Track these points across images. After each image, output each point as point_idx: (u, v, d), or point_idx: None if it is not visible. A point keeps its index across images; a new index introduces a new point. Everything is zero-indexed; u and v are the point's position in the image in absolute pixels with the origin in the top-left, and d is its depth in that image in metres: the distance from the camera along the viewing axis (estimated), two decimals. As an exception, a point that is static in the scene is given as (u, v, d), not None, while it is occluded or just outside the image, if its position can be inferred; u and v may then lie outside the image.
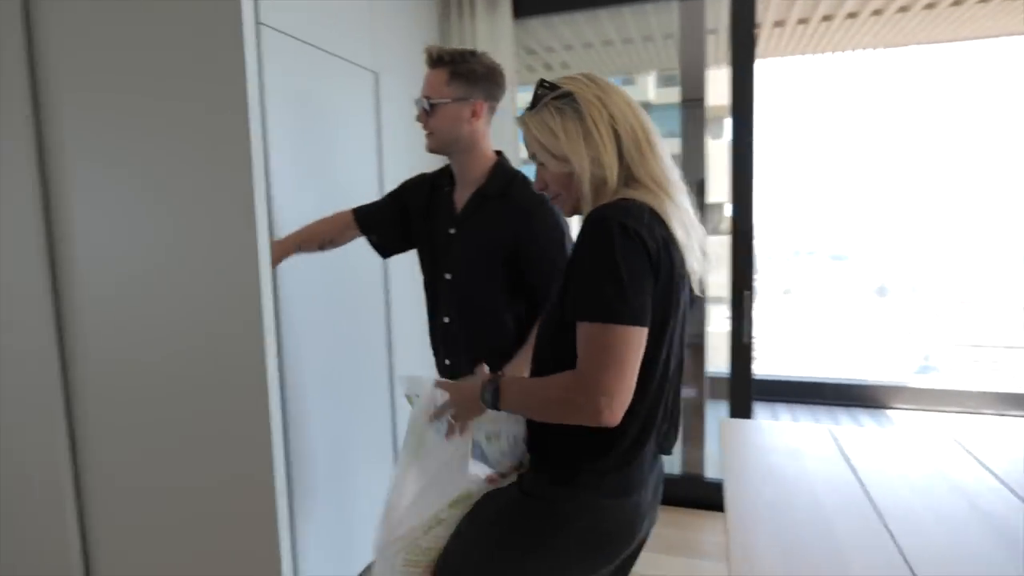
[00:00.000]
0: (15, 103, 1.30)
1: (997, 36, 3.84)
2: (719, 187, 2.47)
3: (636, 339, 0.88)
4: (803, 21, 3.46)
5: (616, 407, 0.86)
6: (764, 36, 3.68)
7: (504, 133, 2.25)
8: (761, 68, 2.41)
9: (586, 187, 0.96)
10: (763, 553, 1.04)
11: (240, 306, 1.23)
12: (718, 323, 2.86)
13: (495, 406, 1.00)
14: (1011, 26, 3.60)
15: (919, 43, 3.90)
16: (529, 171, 1.23)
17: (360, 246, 1.96)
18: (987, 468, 1.38)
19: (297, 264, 1.70)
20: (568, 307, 0.91)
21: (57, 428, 1.39)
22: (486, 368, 1.14)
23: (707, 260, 1.02)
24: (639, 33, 3.33)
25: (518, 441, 1.07)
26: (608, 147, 0.95)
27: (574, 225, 1.14)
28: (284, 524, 1.30)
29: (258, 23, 1.55)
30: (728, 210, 2.46)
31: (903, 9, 3.30)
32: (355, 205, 1.65)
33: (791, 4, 3.19)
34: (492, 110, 1.43)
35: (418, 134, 1.45)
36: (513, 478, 1.08)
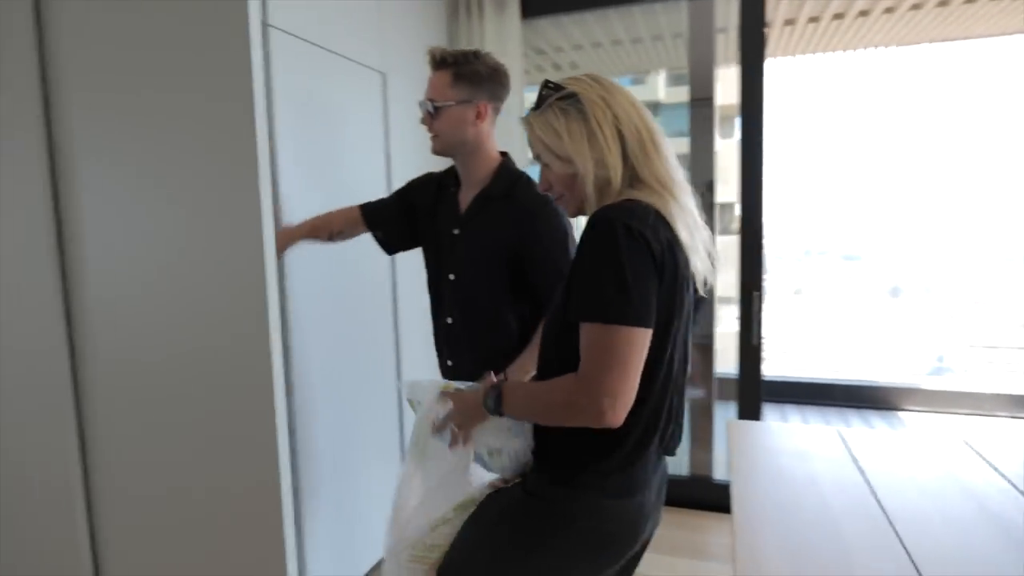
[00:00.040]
0: (26, 103, 1.31)
1: (1011, 34, 3.79)
2: (730, 187, 2.45)
3: (639, 340, 0.87)
4: (814, 20, 3.43)
5: (619, 408, 0.86)
6: (774, 35, 3.65)
7: (512, 134, 2.25)
8: (772, 67, 2.40)
9: (590, 188, 0.96)
10: (769, 554, 1.04)
11: (246, 306, 1.24)
12: (727, 324, 2.84)
13: (498, 412, 1.00)
14: (1025, 23, 3.55)
15: (931, 41, 3.86)
16: (535, 172, 1.23)
17: (367, 247, 1.97)
18: (997, 470, 1.36)
19: (305, 263, 1.71)
20: (571, 308, 0.91)
21: (67, 427, 1.40)
22: (493, 376, 1.14)
23: (712, 261, 1.01)
24: (648, 32, 3.32)
25: (519, 456, 1.07)
26: (612, 148, 0.95)
27: (578, 226, 1.13)
28: (289, 524, 1.31)
29: (266, 25, 1.57)
30: (739, 210, 2.45)
31: (915, 7, 3.27)
32: (376, 231, 1.66)
33: (802, 3, 3.17)
34: (497, 111, 1.43)
35: (426, 135, 1.45)
36: (517, 479, 1.08)
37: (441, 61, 1.37)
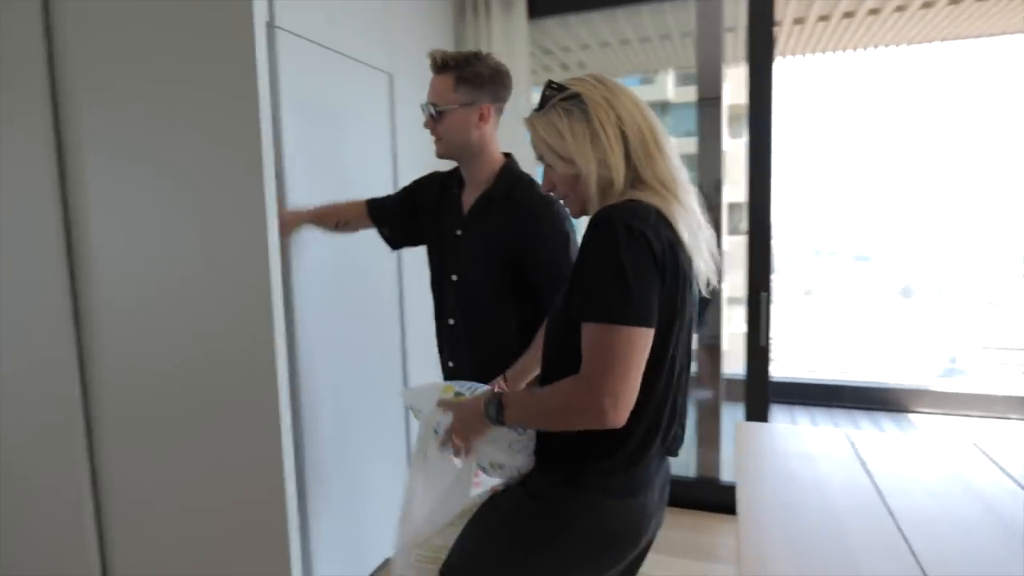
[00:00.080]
0: (35, 104, 1.32)
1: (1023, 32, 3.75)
2: (739, 187, 2.44)
3: (641, 340, 0.87)
4: (824, 18, 3.41)
5: (621, 408, 0.86)
6: (784, 33, 3.63)
7: (520, 134, 2.25)
8: (782, 66, 2.39)
9: (593, 189, 0.96)
10: (775, 555, 1.04)
11: (251, 309, 1.24)
12: (736, 324, 2.83)
13: (500, 422, 0.99)
14: (1039, 21, 3.51)
15: (943, 39, 3.82)
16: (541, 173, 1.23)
17: (373, 249, 1.97)
18: (1006, 472, 1.35)
19: (311, 265, 1.72)
20: (574, 308, 0.91)
21: (75, 429, 1.41)
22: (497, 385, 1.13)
23: (715, 262, 1.01)
24: (656, 32, 3.31)
25: (522, 471, 1.06)
26: (615, 149, 0.95)
27: (581, 227, 1.13)
28: (294, 525, 1.32)
29: (273, 26, 1.57)
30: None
31: (926, 5, 3.24)
32: (381, 227, 1.67)
33: (811, 1, 3.15)
34: (499, 111, 1.43)
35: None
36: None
37: (443, 64, 1.36)
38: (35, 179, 1.35)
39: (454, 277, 1.45)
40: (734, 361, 2.66)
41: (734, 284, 2.64)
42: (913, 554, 1.03)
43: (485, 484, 1.14)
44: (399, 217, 1.62)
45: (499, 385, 1.33)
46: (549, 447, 1.02)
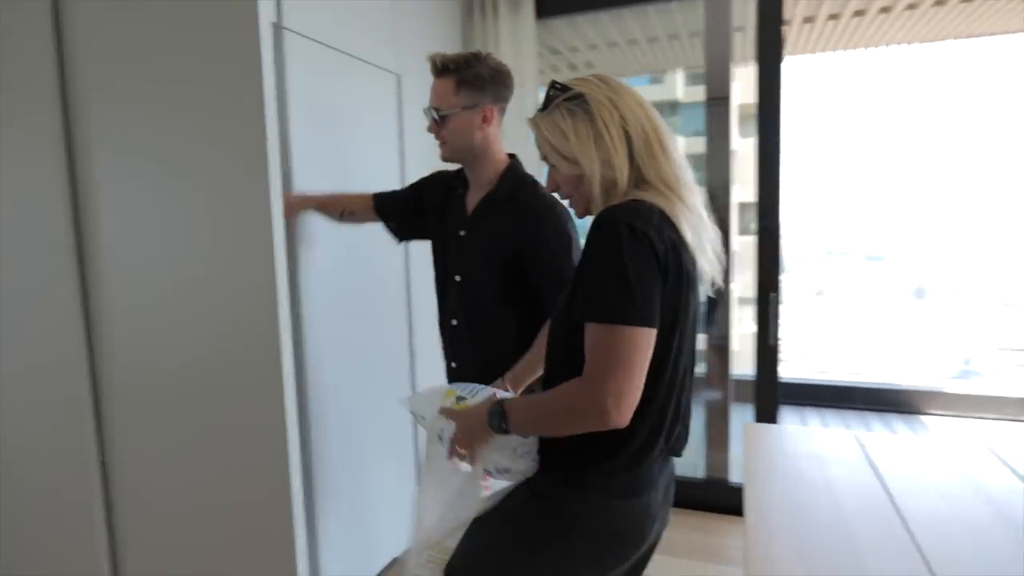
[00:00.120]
0: (46, 106, 1.34)
1: (1040, 29, 3.70)
2: (749, 187, 2.43)
3: (644, 340, 0.87)
4: (834, 17, 3.38)
5: (624, 408, 0.86)
6: (794, 32, 3.60)
7: (526, 134, 2.25)
8: (792, 64, 2.37)
9: (596, 189, 0.96)
10: (782, 556, 1.03)
11: (257, 309, 1.25)
12: (746, 325, 2.82)
13: (504, 430, 0.98)
14: (1054, 18, 3.46)
15: (956, 38, 3.78)
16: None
17: (381, 248, 1.98)
18: (1019, 475, 1.33)
19: (319, 264, 1.72)
20: (576, 308, 0.91)
21: (86, 430, 1.43)
22: (499, 392, 1.13)
23: (720, 262, 1.00)
24: (664, 31, 3.29)
25: (527, 475, 1.06)
26: (619, 149, 0.94)
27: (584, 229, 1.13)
28: (300, 524, 1.32)
29: (280, 27, 1.58)
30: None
31: (938, 3, 3.20)
32: (388, 221, 1.67)
33: (821, 0, 3.13)
34: (502, 112, 1.43)
35: (438, 137, 1.45)
36: None
37: (443, 68, 1.36)
38: (45, 179, 1.36)
39: (457, 278, 1.45)
40: (744, 362, 2.64)
41: (744, 284, 2.62)
42: (922, 556, 1.02)
43: (495, 486, 1.14)
44: (405, 213, 1.62)
45: (501, 386, 1.33)
46: (553, 448, 1.02)
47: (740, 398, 2.79)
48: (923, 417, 4.24)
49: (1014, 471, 1.35)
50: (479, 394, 1.11)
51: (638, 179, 0.96)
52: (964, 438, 1.60)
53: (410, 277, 2.20)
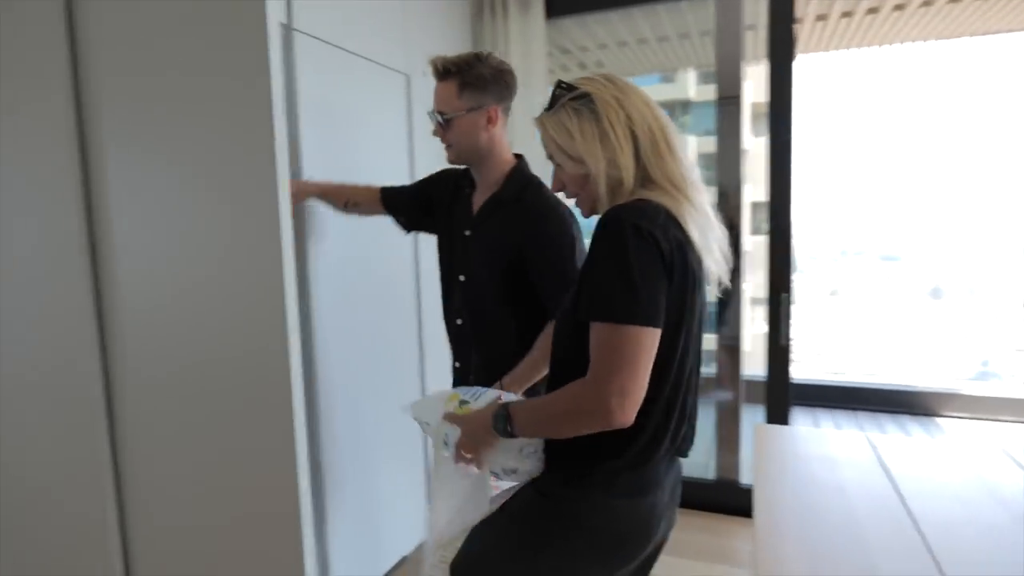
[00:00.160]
0: (59, 102, 1.35)
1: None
2: (761, 186, 2.41)
3: (648, 340, 0.87)
4: (847, 15, 3.35)
5: (628, 407, 0.86)
6: (806, 30, 3.57)
7: (535, 134, 2.24)
8: (805, 62, 2.35)
9: (602, 188, 0.96)
10: (791, 556, 1.03)
11: (265, 307, 1.25)
12: (758, 325, 2.79)
13: (509, 433, 0.98)
14: (1074, 14, 3.40)
15: (971, 35, 3.73)
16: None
17: (391, 245, 1.99)
18: (1036, 480, 1.31)
19: (328, 263, 1.73)
20: (582, 308, 0.91)
21: (98, 429, 1.44)
22: (504, 395, 1.12)
23: (727, 262, 1.00)
24: (675, 30, 3.28)
25: (533, 474, 1.06)
26: (625, 148, 0.94)
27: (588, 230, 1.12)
28: (308, 520, 1.32)
29: (290, 28, 1.59)
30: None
31: (953, 0, 3.16)
32: (397, 216, 1.68)
33: (833, -2, 3.10)
34: (507, 111, 1.42)
35: (447, 138, 1.45)
36: None
37: (445, 71, 1.35)
38: (59, 179, 1.38)
39: (462, 277, 1.45)
40: (756, 362, 2.62)
41: (756, 284, 2.60)
42: (934, 558, 1.01)
43: (503, 486, 1.14)
44: (413, 209, 1.63)
45: (503, 388, 1.33)
46: (558, 447, 1.02)
47: (752, 399, 2.77)
48: (938, 419, 4.18)
49: (1029, 474, 1.33)
50: (482, 397, 1.11)
51: (644, 178, 0.96)
52: (979, 440, 1.58)
53: (419, 274, 2.20)
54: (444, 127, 1.38)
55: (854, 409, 4.35)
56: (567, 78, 1.01)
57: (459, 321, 1.48)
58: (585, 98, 0.96)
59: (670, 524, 1.07)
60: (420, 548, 2.17)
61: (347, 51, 1.82)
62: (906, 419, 4.18)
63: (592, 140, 0.95)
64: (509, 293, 1.38)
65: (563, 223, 1.34)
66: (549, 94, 1.02)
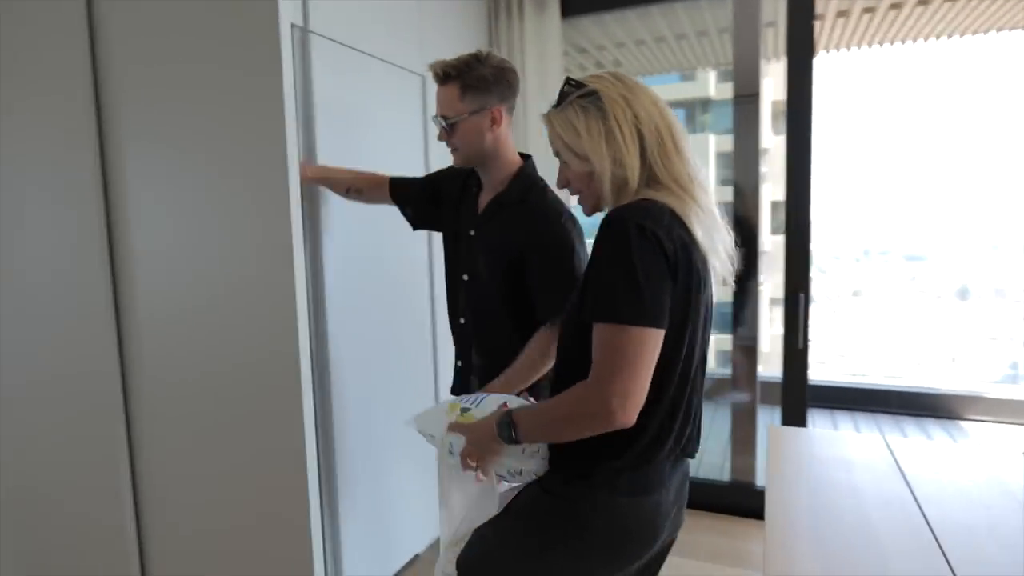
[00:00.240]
0: (80, 104, 1.38)
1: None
2: (782, 185, 2.38)
3: (651, 340, 0.87)
4: (869, 10, 3.29)
5: (630, 408, 0.86)
6: (828, 27, 3.52)
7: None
8: (828, 60, 2.31)
9: (607, 187, 0.96)
10: (802, 556, 1.02)
11: (278, 312, 1.27)
12: (776, 326, 2.76)
13: (515, 440, 0.99)
14: (1106, 8, 3.31)
15: (998, 29, 3.64)
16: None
17: (405, 244, 2.00)
18: (1057, 486, 1.28)
19: (342, 262, 1.75)
20: (586, 308, 0.91)
21: (116, 431, 1.47)
22: (509, 400, 1.13)
23: (732, 263, 1.00)
24: (693, 28, 3.25)
25: (539, 474, 1.06)
26: (630, 148, 0.94)
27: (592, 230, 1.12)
28: (316, 519, 1.34)
29: (307, 31, 1.61)
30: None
31: (980, -7, 3.10)
32: (404, 207, 1.69)
33: (855, -7, 3.05)
34: (511, 110, 1.41)
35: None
36: None
37: (445, 75, 1.34)
38: (80, 183, 1.41)
39: (465, 277, 1.46)
40: (775, 363, 2.59)
41: (775, 284, 2.57)
42: (947, 561, 0.99)
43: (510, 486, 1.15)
44: (421, 202, 1.63)
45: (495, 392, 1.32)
46: (560, 446, 1.02)
47: (771, 400, 2.74)
48: (962, 423, 4.10)
49: (1051, 480, 1.31)
50: (483, 403, 1.11)
51: (650, 178, 0.95)
52: (1000, 444, 1.55)
53: (433, 275, 2.21)
54: (448, 131, 1.37)
55: (874, 412, 4.28)
56: (568, 75, 1.01)
57: (462, 320, 1.48)
58: (593, 96, 0.96)
59: (676, 524, 1.06)
60: (433, 546, 2.18)
61: (363, 52, 1.84)
62: (928, 422, 4.11)
63: (598, 138, 0.95)
64: (510, 294, 1.38)
65: (563, 229, 1.33)
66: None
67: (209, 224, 1.32)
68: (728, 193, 2.56)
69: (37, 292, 1.50)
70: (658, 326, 0.87)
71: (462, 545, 1.12)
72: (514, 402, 1.10)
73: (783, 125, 2.37)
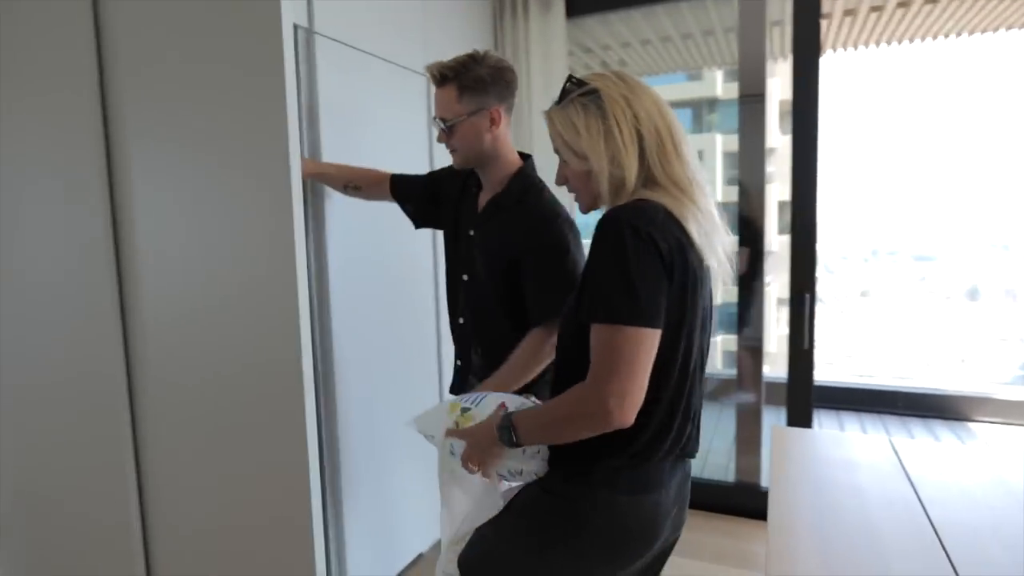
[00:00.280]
0: (86, 102, 1.39)
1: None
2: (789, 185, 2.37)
3: (648, 340, 0.87)
4: (876, 9, 3.27)
5: (627, 407, 0.86)
6: (835, 25, 3.50)
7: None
8: (835, 59, 2.31)
9: (604, 186, 0.96)
10: (803, 557, 1.02)
11: (279, 313, 1.28)
12: (783, 327, 2.75)
13: (515, 443, 0.99)
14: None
15: (1008, 28, 3.61)
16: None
17: (409, 243, 2.00)
18: (1063, 488, 1.27)
19: (346, 262, 1.76)
20: (583, 309, 0.92)
21: (121, 424, 1.48)
22: (507, 400, 1.13)
23: (730, 264, 1.00)
24: (699, 27, 3.24)
25: (539, 474, 1.06)
26: (629, 148, 0.94)
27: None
28: (318, 519, 1.35)
29: (312, 32, 1.62)
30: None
31: (989, -9, 3.07)
32: (405, 204, 1.69)
33: (862, -9, 3.03)
34: (509, 109, 1.40)
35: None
36: None
37: (442, 77, 1.33)
38: (85, 182, 1.42)
39: (465, 277, 1.46)
40: (782, 364, 2.58)
41: (782, 285, 2.56)
42: (950, 561, 0.99)
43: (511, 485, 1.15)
44: (422, 199, 1.63)
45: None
46: (561, 445, 1.02)
47: (777, 401, 2.73)
48: (970, 424, 4.07)
49: (1057, 482, 1.30)
50: (483, 403, 1.11)
51: (647, 179, 0.95)
52: (1007, 445, 1.54)
53: (438, 275, 2.22)
54: (447, 133, 1.37)
55: (881, 413, 4.26)
56: (570, 73, 1.02)
57: (461, 320, 1.48)
58: (594, 94, 0.96)
59: (678, 524, 1.06)
60: (436, 546, 2.19)
61: (368, 53, 1.84)
62: (936, 423, 4.08)
63: (596, 137, 0.95)
64: (508, 295, 1.37)
65: (558, 230, 1.32)
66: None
67: (214, 223, 1.33)
68: (734, 193, 2.56)
69: (43, 292, 1.51)
70: (654, 326, 0.87)
71: (463, 544, 1.12)
72: (514, 401, 1.10)
73: (790, 124, 2.37)
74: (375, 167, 1.75)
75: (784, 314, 2.65)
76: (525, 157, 1.45)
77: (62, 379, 1.52)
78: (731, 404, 2.78)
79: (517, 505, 1.07)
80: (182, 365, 1.43)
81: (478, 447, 1.04)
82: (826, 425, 4.08)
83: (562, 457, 1.02)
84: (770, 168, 2.72)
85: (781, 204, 3.01)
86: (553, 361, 1.10)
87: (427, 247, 2.16)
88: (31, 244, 1.50)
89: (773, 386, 2.77)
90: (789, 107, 2.39)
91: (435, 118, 1.38)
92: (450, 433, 1.10)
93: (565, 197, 1.32)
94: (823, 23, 2.28)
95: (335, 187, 1.68)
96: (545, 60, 2.54)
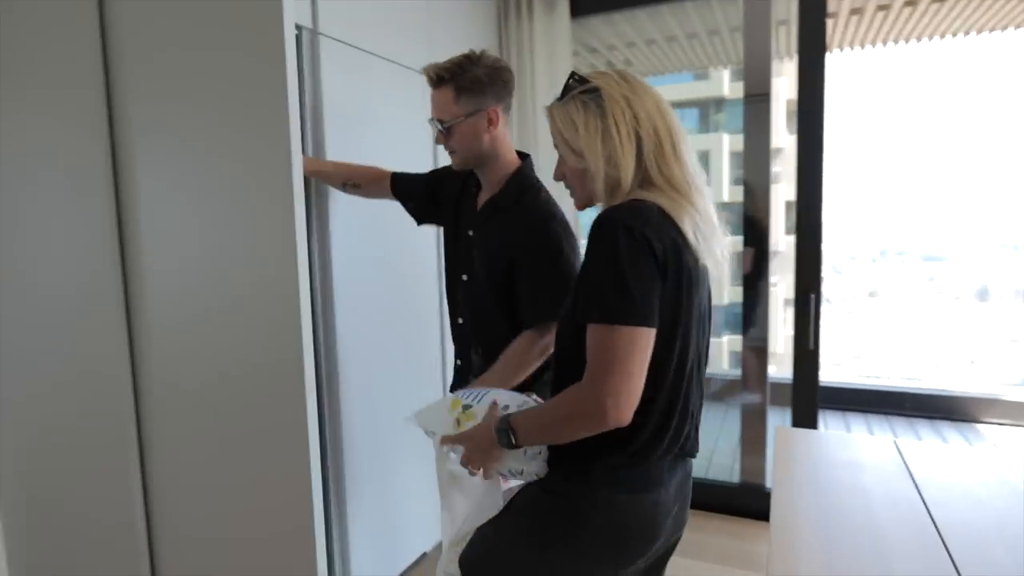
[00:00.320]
0: (91, 102, 1.40)
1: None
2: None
3: (642, 340, 0.87)
4: (883, 8, 3.26)
5: (623, 407, 0.86)
6: (841, 25, 3.49)
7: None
8: (841, 58, 2.29)
9: (599, 185, 0.96)
10: (805, 557, 1.02)
11: (280, 314, 1.28)
12: (789, 327, 2.74)
13: (514, 445, 0.99)
14: None
15: (1017, 27, 3.58)
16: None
17: (413, 243, 2.01)
18: (1069, 489, 1.26)
19: (350, 262, 1.76)
20: (579, 310, 0.92)
21: (127, 424, 1.49)
22: (498, 400, 1.13)
23: (727, 265, 1.00)
24: (704, 27, 3.23)
25: (540, 474, 1.06)
26: (626, 148, 0.94)
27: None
28: (319, 520, 1.35)
29: (316, 32, 1.63)
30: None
31: (997, -10, 3.05)
32: (406, 203, 1.69)
33: (869, -10, 3.02)
34: (508, 109, 1.39)
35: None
36: None
37: (439, 79, 1.33)
38: (90, 181, 1.43)
39: (464, 276, 1.46)
40: (788, 364, 2.57)
41: (788, 285, 2.55)
42: (953, 563, 0.98)
43: (511, 484, 1.15)
44: (423, 198, 1.63)
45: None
46: (560, 444, 1.02)
47: (783, 402, 2.72)
48: (979, 426, 4.05)
49: (1063, 483, 1.29)
50: (483, 399, 1.10)
51: (644, 180, 0.95)
52: (1013, 447, 1.53)
53: (441, 275, 2.22)
54: (445, 135, 1.36)
55: (889, 414, 4.23)
56: (573, 70, 1.02)
57: (460, 320, 1.49)
58: (595, 92, 0.96)
59: (679, 523, 1.06)
60: (439, 545, 2.19)
61: (372, 54, 1.85)
62: (944, 425, 4.05)
63: (594, 135, 0.95)
64: (506, 296, 1.37)
65: (552, 232, 1.32)
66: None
67: (216, 222, 1.34)
68: (740, 193, 2.55)
69: (47, 292, 1.52)
70: (648, 325, 0.87)
71: (464, 544, 1.13)
72: (515, 400, 1.10)
73: (796, 124, 2.36)
74: (380, 165, 1.75)
75: (790, 315, 2.64)
76: (523, 157, 1.45)
77: (66, 380, 1.53)
78: (736, 404, 2.77)
79: (517, 505, 1.07)
80: (185, 364, 1.43)
81: (478, 449, 1.04)
82: (832, 426, 4.06)
83: (562, 456, 1.02)
84: (776, 168, 2.71)
85: (788, 204, 2.99)
86: (552, 361, 1.10)
87: (430, 246, 2.17)
88: (35, 243, 1.51)
89: (779, 387, 2.76)
90: (795, 107, 2.38)
91: (432, 120, 1.38)
92: (445, 440, 1.10)
93: (563, 194, 1.32)
94: (829, 22, 2.28)
95: (334, 185, 1.68)
96: (550, 60, 2.54)
